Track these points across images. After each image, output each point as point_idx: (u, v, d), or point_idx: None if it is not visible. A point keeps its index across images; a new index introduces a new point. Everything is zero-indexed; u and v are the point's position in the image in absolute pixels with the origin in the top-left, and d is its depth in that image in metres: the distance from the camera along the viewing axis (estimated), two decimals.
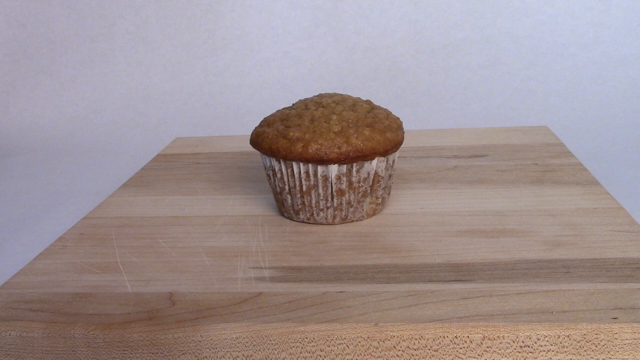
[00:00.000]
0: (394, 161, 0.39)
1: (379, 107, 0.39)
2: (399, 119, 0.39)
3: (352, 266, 0.32)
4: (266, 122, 0.39)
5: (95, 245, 0.37)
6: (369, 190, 0.37)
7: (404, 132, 0.39)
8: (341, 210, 0.37)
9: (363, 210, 0.38)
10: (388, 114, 0.39)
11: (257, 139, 0.38)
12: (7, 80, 0.83)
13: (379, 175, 0.37)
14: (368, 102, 0.40)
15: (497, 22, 0.79)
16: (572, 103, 0.72)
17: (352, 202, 0.37)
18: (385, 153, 0.37)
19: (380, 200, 0.39)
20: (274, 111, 0.42)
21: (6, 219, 0.49)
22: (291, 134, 0.36)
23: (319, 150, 0.36)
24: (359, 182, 0.37)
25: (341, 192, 0.37)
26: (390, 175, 0.39)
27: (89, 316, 0.29)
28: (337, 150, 0.36)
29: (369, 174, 0.37)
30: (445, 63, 0.78)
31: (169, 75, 0.82)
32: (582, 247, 0.33)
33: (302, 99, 0.42)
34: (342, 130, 0.36)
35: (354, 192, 0.37)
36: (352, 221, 0.38)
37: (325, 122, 0.37)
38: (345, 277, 0.31)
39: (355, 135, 0.36)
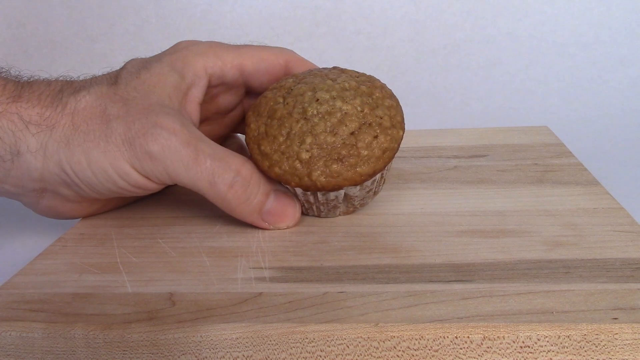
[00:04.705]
0: (374, 180, 0.37)
1: (372, 125, 0.35)
2: (394, 137, 0.35)
3: (352, 266, 0.32)
4: (257, 109, 0.37)
5: (95, 245, 0.37)
6: (339, 204, 0.37)
7: (395, 151, 0.36)
8: (312, 210, 0.38)
9: (336, 214, 0.38)
10: (375, 137, 0.35)
11: (246, 128, 0.37)
12: None
13: (351, 197, 0.37)
14: (364, 114, 0.35)
15: (497, 22, 0.79)
16: (572, 103, 0.72)
17: (322, 210, 0.37)
18: (354, 184, 0.35)
19: (358, 206, 0.38)
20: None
21: (6, 219, 0.49)
22: (262, 147, 0.35)
23: (280, 176, 0.35)
24: (326, 200, 0.36)
25: (309, 203, 0.37)
26: (370, 189, 0.37)
27: (89, 316, 0.29)
28: (297, 180, 0.35)
29: (337, 197, 0.36)
30: (445, 63, 0.78)
31: None
32: (582, 247, 0.33)
33: (309, 75, 0.38)
34: (310, 159, 0.34)
35: (322, 205, 0.37)
36: (326, 217, 0.38)
37: (298, 144, 0.35)
38: (346, 277, 0.31)
39: (319, 171, 0.34)
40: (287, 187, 0.37)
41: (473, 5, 0.79)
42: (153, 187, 0.36)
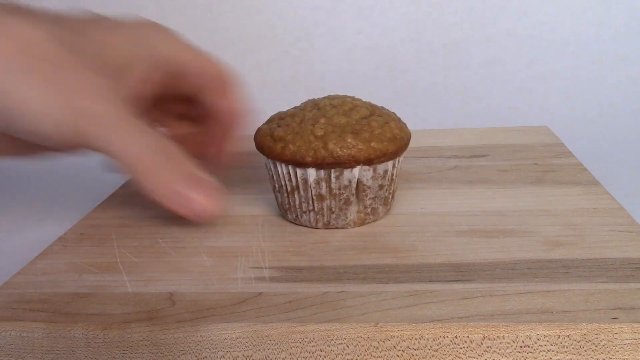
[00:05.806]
0: (386, 171, 0.36)
1: (382, 115, 0.37)
2: (402, 129, 0.37)
3: (352, 266, 0.32)
4: (269, 119, 0.39)
5: (95, 245, 0.37)
6: (352, 199, 0.36)
7: (404, 143, 0.37)
8: (322, 215, 0.37)
9: (347, 218, 0.37)
10: (386, 122, 0.36)
11: (255, 135, 0.39)
12: None
13: (364, 184, 0.36)
14: (373, 109, 0.38)
15: (497, 22, 0.79)
16: (572, 103, 0.72)
17: (333, 209, 0.36)
18: (368, 162, 0.35)
19: (369, 210, 0.37)
20: (275, 112, 0.41)
21: (6, 219, 0.49)
22: (276, 133, 0.36)
23: (295, 153, 0.35)
24: (339, 189, 0.35)
25: (321, 197, 0.36)
26: (382, 186, 0.37)
27: (89, 316, 0.29)
28: (313, 153, 0.34)
29: (350, 181, 0.35)
30: (445, 63, 0.78)
31: None
32: (582, 247, 0.33)
33: (314, 98, 0.41)
34: (325, 134, 0.35)
35: (334, 199, 0.36)
36: (337, 228, 0.37)
37: (312, 124, 0.36)
38: (346, 277, 0.31)
39: (335, 141, 0.35)
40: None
41: (473, 4, 0.79)
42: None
